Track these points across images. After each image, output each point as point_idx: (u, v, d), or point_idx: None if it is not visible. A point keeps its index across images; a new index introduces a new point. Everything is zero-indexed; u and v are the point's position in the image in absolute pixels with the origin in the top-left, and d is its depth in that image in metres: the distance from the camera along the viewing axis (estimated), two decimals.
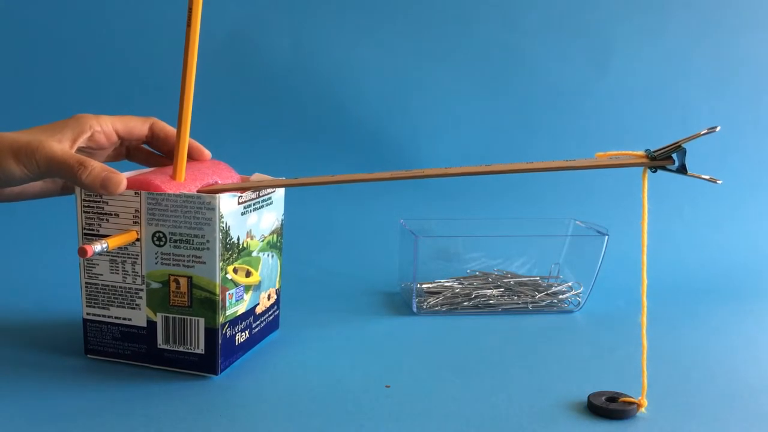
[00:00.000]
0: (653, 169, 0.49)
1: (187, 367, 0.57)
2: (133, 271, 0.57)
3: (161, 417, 0.50)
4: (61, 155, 0.54)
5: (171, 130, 0.63)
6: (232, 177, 0.63)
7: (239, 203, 0.57)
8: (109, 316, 0.59)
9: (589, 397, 0.54)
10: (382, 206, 1.04)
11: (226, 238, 0.56)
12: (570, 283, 0.81)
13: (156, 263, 0.56)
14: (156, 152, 0.65)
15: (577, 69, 1.10)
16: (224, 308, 0.57)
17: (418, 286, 0.77)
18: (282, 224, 0.66)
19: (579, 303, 0.79)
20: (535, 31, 1.09)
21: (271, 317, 0.67)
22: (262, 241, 0.62)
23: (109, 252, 0.57)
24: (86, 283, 0.58)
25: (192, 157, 0.62)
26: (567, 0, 1.09)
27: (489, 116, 1.10)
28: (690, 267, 0.95)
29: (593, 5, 1.10)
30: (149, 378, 0.57)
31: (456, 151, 1.09)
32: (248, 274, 0.60)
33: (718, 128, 0.46)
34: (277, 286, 0.67)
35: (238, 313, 0.59)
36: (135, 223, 0.56)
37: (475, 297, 0.78)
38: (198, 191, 0.57)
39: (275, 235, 0.65)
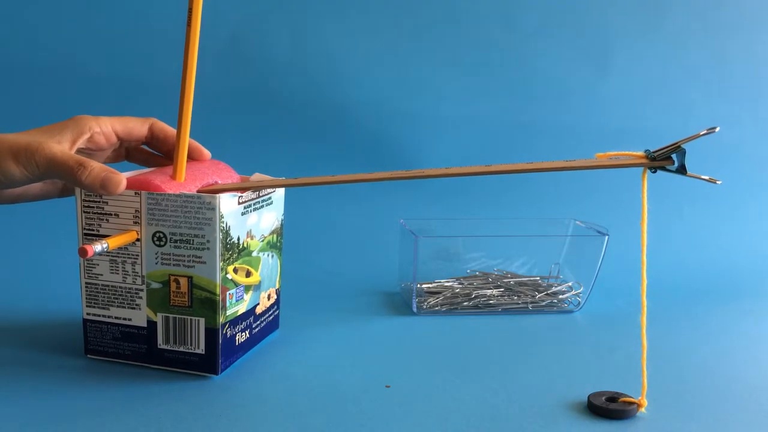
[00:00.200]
0: (653, 170, 0.49)
1: (188, 367, 0.57)
2: (133, 271, 0.57)
3: (161, 417, 0.50)
4: (61, 156, 0.54)
5: (170, 130, 0.63)
6: (232, 177, 0.63)
7: (239, 203, 0.57)
8: (109, 316, 0.59)
9: (589, 397, 0.54)
10: (382, 206, 1.04)
11: (227, 238, 0.56)
12: (570, 283, 0.81)
13: (156, 263, 0.56)
14: (155, 153, 0.65)
15: (577, 69, 1.10)
16: (224, 308, 0.57)
17: (418, 286, 0.78)
18: (282, 224, 0.66)
19: (579, 303, 0.79)
20: (535, 31, 1.09)
21: (271, 317, 0.67)
22: (262, 241, 0.62)
23: (109, 252, 0.57)
24: (86, 283, 0.58)
25: (192, 157, 0.62)
26: (567, 0, 1.09)
27: (489, 116, 1.10)
28: (690, 267, 0.95)
29: (593, 5, 1.10)
30: (149, 378, 0.57)
31: (456, 151, 1.09)
32: (248, 274, 0.60)
33: (718, 129, 0.46)
34: (277, 286, 0.67)
35: (239, 313, 0.59)
36: (135, 223, 0.56)
37: (475, 297, 0.78)
38: (198, 191, 0.57)
39: (275, 235, 0.65)
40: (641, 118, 1.11)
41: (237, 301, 0.59)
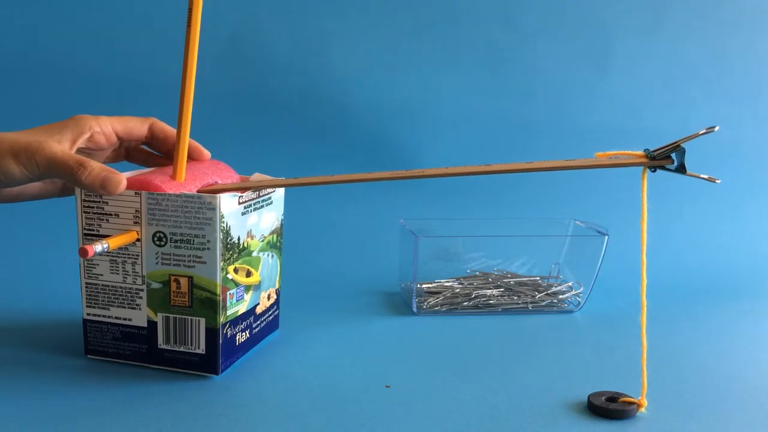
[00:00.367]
0: (653, 169, 0.49)
1: (188, 367, 0.57)
2: (133, 272, 0.57)
3: (161, 417, 0.50)
4: (61, 156, 0.54)
5: (170, 130, 0.63)
6: (232, 177, 0.63)
7: (240, 203, 0.57)
8: (109, 317, 0.59)
9: (589, 397, 0.54)
10: (382, 206, 1.04)
11: (227, 238, 0.56)
12: (570, 283, 0.81)
13: (156, 263, 0.56)
14: (155, 153, 0.65)
15: (577, 69, 1.10)
16: (225, 308, 0.57)
17: (418, 286, 0.78)
18: (282, 224, 0.66)
19: (579, 303, 0.79)
20: (535, 30, 1.09)
21: (271, 317, 0.67)
22: (262, 241, 0.62)
23: (109, 252, 0.57)
24: (86, 283, 0.58)
25: (192, 157, 0.62)
26: (567, 0, 1.09)
27: (489, 116, 1.10)
28: (690, 267, 0.95)
29: (593, 5, 1.10)
30: (149, 378, 0.57)
31: (456, 151, 1.09)
32: (248, 274, 0.60)
33: (717, 128, 0.46)
34: (277, 286, 0.67)
35: (239, 313, 0.59)
36: (135, 223, 0.56)
37: (475, 297, 0.78)
38: (198, 191, 0.57)
39: (275, 235, 0.65)
40: (641, 117, 1.11)
41: (237, 301, 0.59)
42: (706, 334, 0.72)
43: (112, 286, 0.58)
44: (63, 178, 0.55)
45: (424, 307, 0.76)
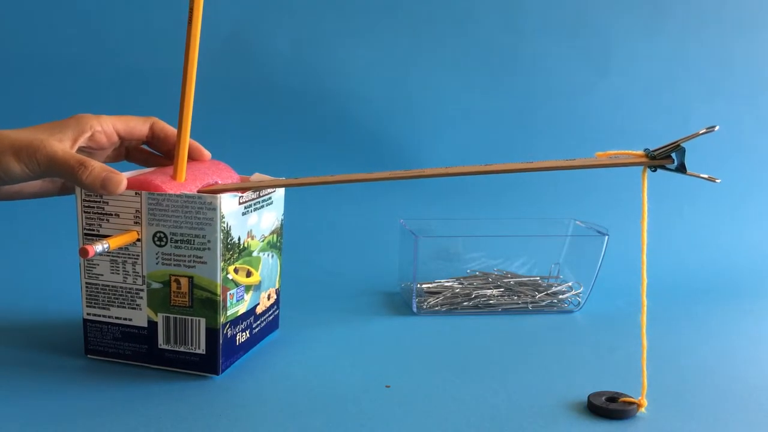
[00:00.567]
0: (653, 169, 0.50)
1: (188, 368, 0.58)
2: (133, 272, 0.57)
3: (161, 417, 0.50)
4: (62, 155, 0.54)
5: (171, 130, 0.63)
6: (232, 177, 0.63)
7: (240, 203, 0.57)
8: (109, 317, 0.59)
9: (589, 397, 0.54)
10: (382, 206, 1.04)
11: (227, 238, 0.56)
12: (570, 283, 0.81)
13: (157, 263, 0.56)
14: (156, 153, 0.65)
15: (577, 69, 1.10)
16: (225, 308, 0.57)
17: (418, 286, 0.78)
18: (282, 224, 0.66)
19: (579, 303, 0.79)
20: (535, 31, 1.09)
21: (271, 317, 0.67)
22: (263, 241, 0.62)
23: (109, 252, 0.57)
24: (86, 283, 0.58)
25: (192, 157, 0.62)
26: (567, 0, 1.09)
27: (489, 116, 1.10)
28: (690, 267, 0.95)
29: (593, 5, 1.10)
30: (149, 378, 0.57)
31: (456, 151, 1.09)
32: (249, 274, 0.60)
33: (717, 128, 0.46)
34: (277, 286, 0.67)
35: (239, 313, 0.59)
36: (136, 223, 0.56)
37: (475, 297, 0.78)
38: (198, 191, 0.57)
39: (275, 235, 0.65)
40: (641, 117, 1.11)
41: (237, 301, 0.59)
42: (706, 334, 0.72)
43: (113, 286, 0.58)
44: (63, 177, 0.55)
45: (424, 307, 0.77)
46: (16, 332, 0.66)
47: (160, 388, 0.55)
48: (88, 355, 0.60)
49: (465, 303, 0.77)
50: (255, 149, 1.04)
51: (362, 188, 1.05)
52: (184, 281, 0.56)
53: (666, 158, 0.49)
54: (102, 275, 0.58)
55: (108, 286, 0.58)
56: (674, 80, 1.11)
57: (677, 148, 0.48)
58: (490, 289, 0.79)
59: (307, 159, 1.06)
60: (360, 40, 1.07)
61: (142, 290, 0.57)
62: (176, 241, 0.55)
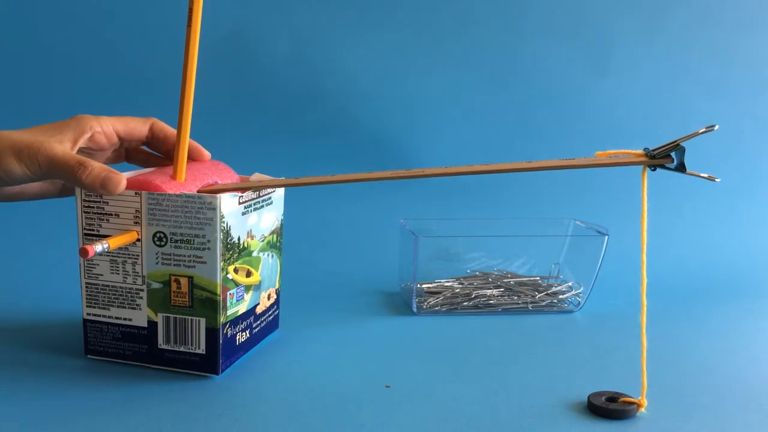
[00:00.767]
0: (652, 168, 0.50)
1: (188, 367, 0.58)
2: (133, 272, 0.57)
3: (161, 417, 0.50)
4: (62, 156, 0.54)
5: (171, 130, 0.63)
6: (232, 177, 0.63)
7: (240, 203, 0.57)
8: (109, 317, 0.59)
9: (589, 397, 0.54)
10: (382, 206, 1.04)
11: (227, 238, 0.56)
12: (570, 283, 0.81)
13: (157, 263, 0.56)
14: (155, 153, 0.65)
15: (577, 69, 1.10)
16: (225, 308, 0.57)
17: (418, 286, 0.78)
18: (282, 224, 0.66)
19: (579, 303, 0.79)
20: (535, 31, 1.09)
21: (271, 317, 0.67)
22: (263, 241, 0.62)
23: (109, 252, 0.57)
24: (86, 283, 0.58)
25: (192, 157, 0.62)
26: (566, 0, 1.09)
27: (489, 116, 1.10)
28: (690, 267, 0.95)
29: (593, 5, 1.10)
30: (149, 378, 0.57)
31: (456, 151, 1.09)
32: (249, 274, 0.60)
33: (716, 127, 0.46)
34: (277, 286, 0.67)
35: (239, 313, 0.59)
36: (136, 223, 0.56)
37: (475, 297, 0.78)
38: (198, 191, 0.57)
39: (275, 235, 0.65)
40: (641, 117, 1.11)
41: (237, 301, 0.59)
42: (706, 334, 0.72)
43: (113, 286, 0.58)
44: (63, 178, 0.55)
45: (424, 307, 0.77)
46: (16, 332, 0.66)
47: (160, 388, 0.55)
48: (88, 355, 0.60)
49: (465, 303, 0.77)
50: (255, 149, 1.04)
51: (362, 188, 1.05)
52: (184, 281, 0.56)
53: (666, 157, 0.49)
54: (102, 275, 0.58)
55: (108, 286, 0.58)
56: (674, 80, 1.11)
57: (677, 147, 0.48)
58: (490, 289, 0.79)
59: (307, 159, 1.06)
60: (360, 40, 1.07)
61: (142, 290, 0.57)
62: (176, 241, 0.55)
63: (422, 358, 0.63)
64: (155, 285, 0.57)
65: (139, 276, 0.57)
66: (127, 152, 0.65)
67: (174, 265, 0.56)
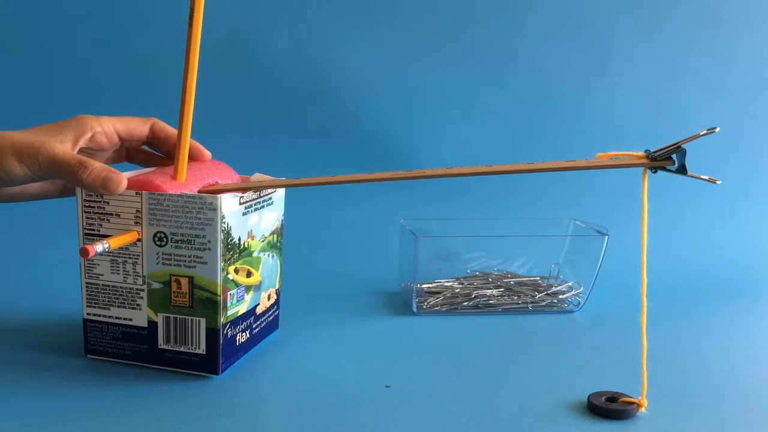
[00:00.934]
0: (653, 170, 0.50)
1: (188, 368, 0.58)
2: (134, 272, 0.57)
3: (161, 417, 0.50)
4: (63, 156, 0.54)
5: (171, 130, 0.63)
6: (232, 177, 0.63)
7: (240, 203, 0.57)
8: (109, 317, 0.59)
9: (589, 397, 0.54)
10: (382, 206, 1.04)
11: (228, 239, 0.56)
12: (570, 283, 0.81)
13: (157, 263, 0.56)
14: (156, 153, 0.65)
15: (577, 69, 1.10)
16: (225, 308, 0.57)
17: (418, 286, 0.78)
18: (282, 224, 0.66)
19: (579, 303, 0.79)
20: (535, 31, 1.09)
21: (271, 317, 0.67)
22: (263, 241, 0.62)
23: (109, 252, 0.57)
24: (87, 283, 0.58)
25: (192, 157, 0.62)
26: (567, 0, 1.09)
27: (489, 116, 1.10)
28: (690, 267, 0.95)
29: (593, 5, 1.10)
30: (149, 378, 0.57)
31: (456, 151, 1.09)
32: (249, 274, 0.60)
33: (717, 129, 0.46)
34: (277, 286, 0.67)
35: (239, 314, 0.59)
36: (136, 223, 0.56)
37: (475, 297, 0.78)
38: (199, 191, 0.57)
39: (275, 236, 0.65)
40: (641, 118, 1.11)
41: (238, 301, 0.59)
42: (706, 334, 0.72)
43: (113, 286, 0.58)
44: (64, 178, 0.55)
45: (424, 307, 0.77)
46: (16, 332, 0.66)
47: (160, 388, 0.55)
48: (88, 355, 0.60)
49: (465, 303, 0.77)
50: (255, 149, 1.04)
51: (362, 188, 1.05)
52: (184, 281, 0.56)
53: (666, 159, 0.49)
54: (102, 275, 0.58)
55: (108, 286, 0.58)
56: (674, 80, 1.11)
57: (678, 149, 0.48)
58: (490, 289, 0.79)
59: (307, 159, 1.06)
60: (360, 40, 1.07)
61: (142, 290, 0.57)
62: (176, 241, 0.55)
63: (422, 358, 0.64)
64: (155, 285, 0.57)
65: (140, 276, 0.57)
66: (128, 152, 0.65)
67: (174, 265, 0.56)
